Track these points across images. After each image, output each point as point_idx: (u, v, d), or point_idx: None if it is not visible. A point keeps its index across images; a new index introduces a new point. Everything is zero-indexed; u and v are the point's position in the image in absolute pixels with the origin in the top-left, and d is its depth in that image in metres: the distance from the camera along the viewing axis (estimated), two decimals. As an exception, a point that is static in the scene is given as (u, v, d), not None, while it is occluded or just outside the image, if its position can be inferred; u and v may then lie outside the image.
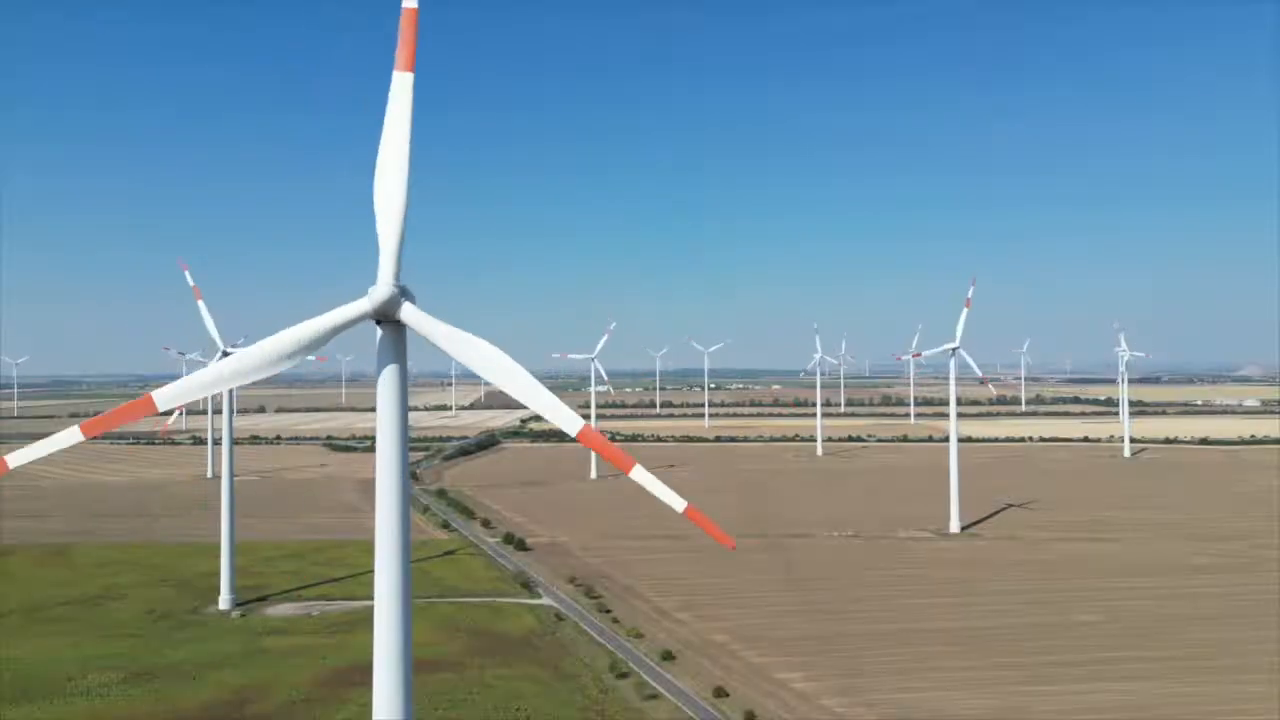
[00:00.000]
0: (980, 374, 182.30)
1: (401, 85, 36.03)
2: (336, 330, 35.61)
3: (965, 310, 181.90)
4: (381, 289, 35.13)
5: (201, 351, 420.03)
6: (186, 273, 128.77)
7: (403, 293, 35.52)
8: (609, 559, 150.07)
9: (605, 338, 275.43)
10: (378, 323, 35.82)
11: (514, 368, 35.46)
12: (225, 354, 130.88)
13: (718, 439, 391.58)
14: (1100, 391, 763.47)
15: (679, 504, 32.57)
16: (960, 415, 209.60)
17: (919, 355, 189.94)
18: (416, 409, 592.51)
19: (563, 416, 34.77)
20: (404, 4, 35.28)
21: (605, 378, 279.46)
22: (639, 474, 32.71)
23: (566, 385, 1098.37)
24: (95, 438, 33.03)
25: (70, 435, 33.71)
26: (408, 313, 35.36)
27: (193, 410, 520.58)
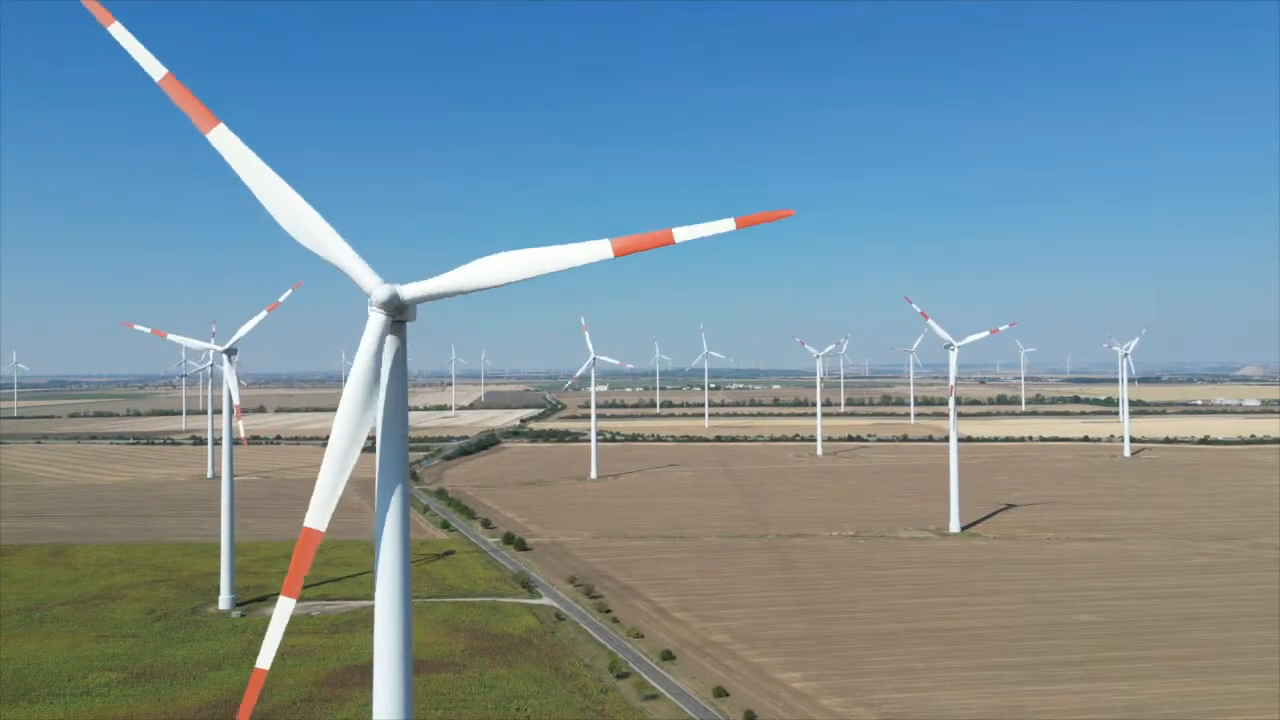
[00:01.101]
0: (953, 381, 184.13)
1: (598, 251, 34.74)
2: (339, 267, 35.67)
3: (986, 333, 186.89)
4: (385, 289, 35.07)
5: (193, 354, 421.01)
6: (136, 326, 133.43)
7: (399, 308, 35.32)
8: (609, 559, 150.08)
9: (618, 362, 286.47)
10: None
11: (359, 441, 34.20)
12: (227, 352, 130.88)
13: (718, 439, 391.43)
14: (1100, 391, 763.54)
15: (265, 659, 32.28)
16: (960, 415, 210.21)
17: (927, 316, 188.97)
18: (416, 409, 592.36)
19: (323, 504, 33.18)
20: (674, 231, 33.91)
21: (581, 372, 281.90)
22: (282, 607, 32.62)
23: (566, 385, 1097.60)
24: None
25: (157, 69, 35.21)
26: (372, 322, 34.85)
27: (193, 410, 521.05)
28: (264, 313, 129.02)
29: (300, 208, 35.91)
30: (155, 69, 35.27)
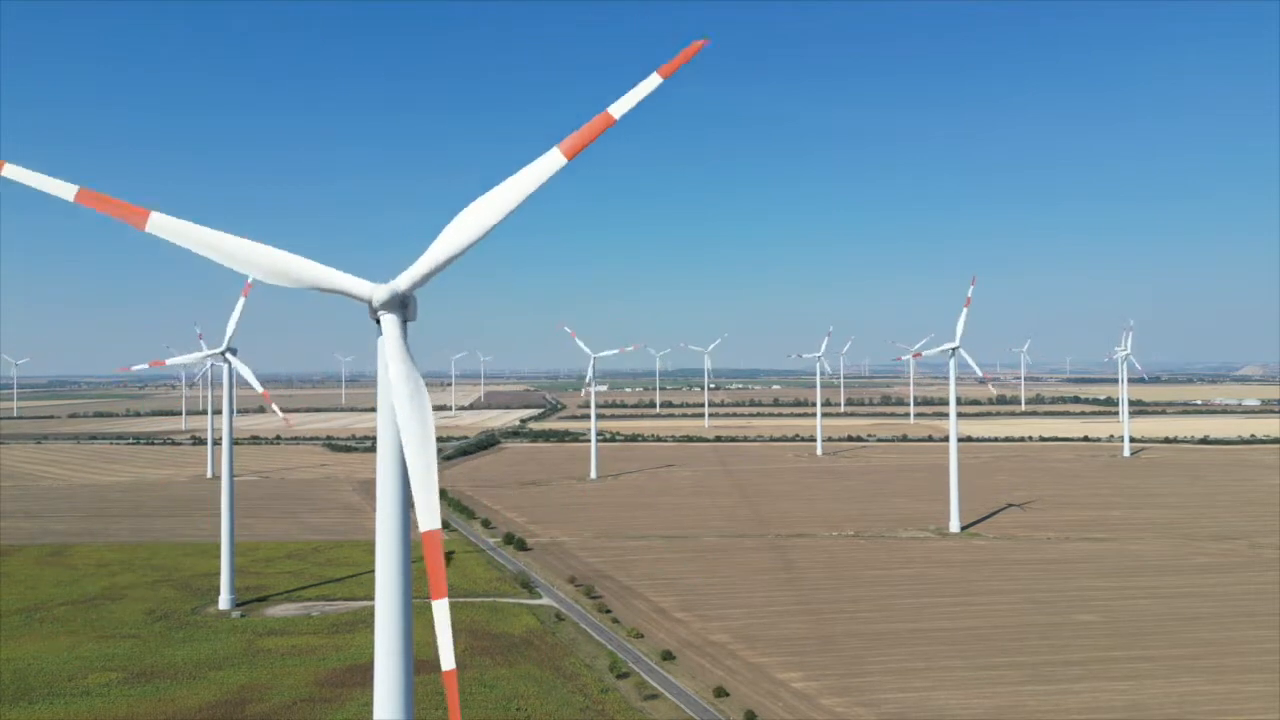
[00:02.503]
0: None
1: (551, 161, 35.47)
2: (330, 289, 35.55)
3: (980, 373, 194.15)
4: (383, 289, 34.94)
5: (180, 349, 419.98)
6: (134, 368, 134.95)
7: (403, 303, 35.18)
8: (609, 559, 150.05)
9: (617, 351, 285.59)
10: (377, 322, 35.58)
11: (430, 435, 33.04)
12: (225, 353, 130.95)
13: (718, 439, 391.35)
14: (1100, 391, 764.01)
15: (448, 664, 29.04)
16: (960, 415, 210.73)
17: (970, 303, 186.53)
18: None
19: (426, 504, 31.54)
20: (609, 109, 34.96)
21: (589, 378, 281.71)
22: (440, 608, 29.86)
23: (566, 385, 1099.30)
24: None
25: (67, 189, 34.55)
26: (387, 323, 34.66)
27: (193, 410, 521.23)
28: (240, 299, 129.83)
29: (268, 255, 35.49)
30: (65, 190, 34.62)
